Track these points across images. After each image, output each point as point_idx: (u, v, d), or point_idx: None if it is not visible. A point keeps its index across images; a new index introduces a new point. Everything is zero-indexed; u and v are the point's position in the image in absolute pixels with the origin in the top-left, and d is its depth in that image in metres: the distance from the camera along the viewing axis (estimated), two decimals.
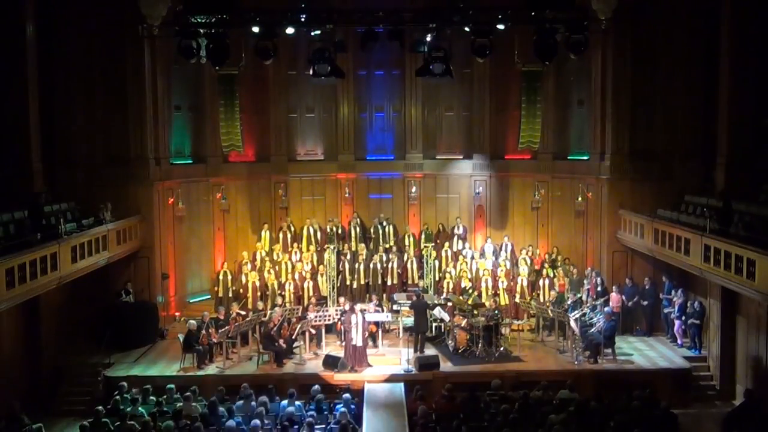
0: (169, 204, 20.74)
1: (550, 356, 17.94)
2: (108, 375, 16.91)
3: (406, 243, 21.69)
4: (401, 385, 16.16)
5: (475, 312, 17.96)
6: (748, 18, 17.91)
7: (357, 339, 16.87)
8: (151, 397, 14.35)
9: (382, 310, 18.82)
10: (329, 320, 18.50)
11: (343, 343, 17.92)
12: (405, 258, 20.94)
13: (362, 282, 20.62)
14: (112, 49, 19.39)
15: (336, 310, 18.55)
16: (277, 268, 20.53)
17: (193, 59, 17.18)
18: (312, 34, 17.46)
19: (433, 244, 20.77)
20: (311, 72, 17.70)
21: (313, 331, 18.34)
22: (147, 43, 19.43)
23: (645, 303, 19.25)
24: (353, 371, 16.74)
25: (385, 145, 23.32)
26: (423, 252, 20.52)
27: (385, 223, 22.07)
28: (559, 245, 21.64)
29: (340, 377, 16.58)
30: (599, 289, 19.28)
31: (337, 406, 13.80)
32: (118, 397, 14.22)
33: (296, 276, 20.02)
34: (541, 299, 19.51)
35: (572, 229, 21.84)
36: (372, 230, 22.01)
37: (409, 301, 18.72)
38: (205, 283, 22.20)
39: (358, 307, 17.42)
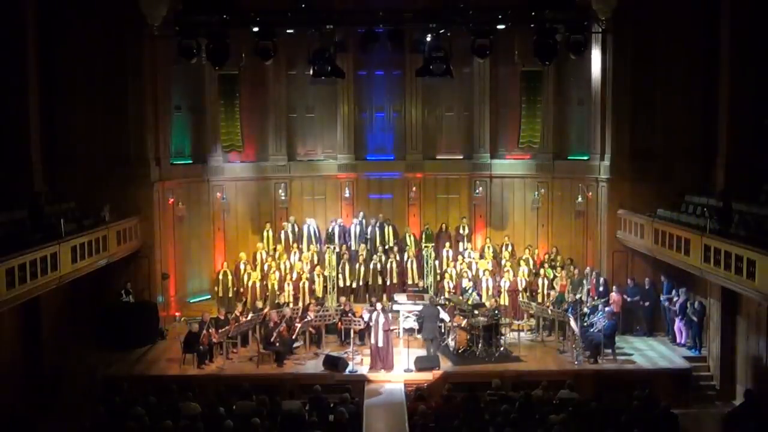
0: (169, 204, 20.73)
1: (550, 356, 17.93)
2: (108, 375, 16.90)
3: (407, 243, 21.68)
4: (401, 385, 16.19)
5: (475, 312, 17.97)
6: (748, 18, 17.93)
7: (378, 339, 16.76)
8: (151, 397, 14.33)
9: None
10: (329, 320, 18.50)
11: (344, 343, 17.96)
12: (405, 258, 20.94)
13: (362, 282, 20.63)
14: (112, 49, 19.36)
15: (336, 310, 18.53)
16: (276, 267, 20.51)
17: (193, 59, 17.21)
18: (312, 34, 17.47)
19: (433, 244, 20.75)
20: (311, 72, 17.73)
21: (313, 331, 18.34)
22: (147, 44, 19.43)
23: (646, 304, 19.23)
24: (376, 371, 16.66)
25: (386, 145, 23.29)
26: (423, 252, 20.51)
27: (385, 225, 22.07)
28: (559, 245, 21.63)
29: (340, 377, 16.57)
30: (600, 289, 19.28)
31: (337, 406, 13.77)
32: (118, 397, 14.21)
33: (295, 276, 20.00)
34: (540, 299, 19.52)
35: (572, 229, 21.82)
36: (369, 231, 21.89)
37: (411, 302, 18.74)
38: (205, 283, 22.18)
39: (379, 306, 17.16)
